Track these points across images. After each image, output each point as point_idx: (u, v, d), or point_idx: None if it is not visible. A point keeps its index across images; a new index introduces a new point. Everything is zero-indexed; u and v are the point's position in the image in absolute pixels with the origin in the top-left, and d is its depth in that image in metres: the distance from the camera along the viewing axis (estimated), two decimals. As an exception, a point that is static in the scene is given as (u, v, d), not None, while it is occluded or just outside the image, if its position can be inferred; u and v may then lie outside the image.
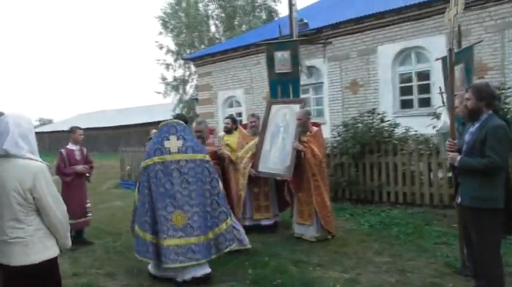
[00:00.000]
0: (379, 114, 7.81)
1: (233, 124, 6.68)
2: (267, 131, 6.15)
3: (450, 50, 3.79)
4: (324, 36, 11.71)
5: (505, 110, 6.18)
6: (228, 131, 6.61)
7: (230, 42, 16.58)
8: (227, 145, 6.13)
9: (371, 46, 10.77)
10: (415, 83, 10.34)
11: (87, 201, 5.83)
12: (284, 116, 6.12)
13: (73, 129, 5.98)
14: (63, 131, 36.41)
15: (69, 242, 2.52)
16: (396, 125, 7.63)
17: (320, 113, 12.30)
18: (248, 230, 5.70)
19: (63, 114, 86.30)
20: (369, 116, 7.83)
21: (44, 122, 50.56)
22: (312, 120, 6.09)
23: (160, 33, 23.77)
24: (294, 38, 8.28)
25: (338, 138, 8.02)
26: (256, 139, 6.15)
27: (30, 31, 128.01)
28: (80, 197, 5.69)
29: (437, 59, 5.79)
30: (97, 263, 4.89)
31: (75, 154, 5.83)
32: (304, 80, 12.46)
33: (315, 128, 5.67)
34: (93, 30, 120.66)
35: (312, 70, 12.08)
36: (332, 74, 11.70)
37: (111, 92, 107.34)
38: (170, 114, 23.74)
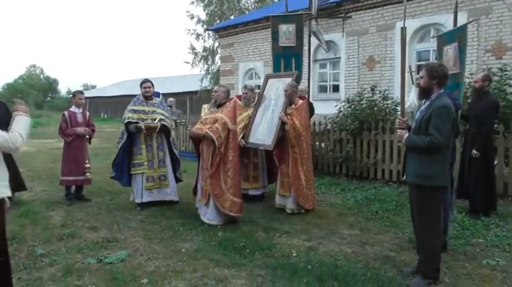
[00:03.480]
0: (380, 91, 7.70)
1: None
2: (261, 104, 6.28)
3: (402, 29, 3.72)
4: (344, 10, 11.45)
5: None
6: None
7: (253, 14, 16.52)
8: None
9: (390, 22, 10.45)
10: (432, 61, 9.98)
11: (87, 161, 6.23)
12: (277, 89, 6.21)
13: (74, 94, 6.38)
14: (105, 96, 38.01)
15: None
16: (397, 103, 7.52)
17: (336, 89, 12.19)
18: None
19: (107, 80, 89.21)
20: (373, 93, 7.75)
21: (87, 88, 52.65)
22: (303, 95, 6.18)
23: (192, 2, 23.86)
24: (303, 12, 8.20)
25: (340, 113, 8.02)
26: (249, 111, 6.31)
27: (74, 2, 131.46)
28: (79, 157, 6.11)
29: (433, 37, 5.66)
30: (86, 217, 5.32)
31: (77, 117, 6.23)
32: (322, 54, 12.38)
33: (300, 101, 5.74)
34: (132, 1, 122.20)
35: (330, 44, 11.90)
36: (350, 49, 11.49)
37: (146, 61, 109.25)
38: (199, 84, 24.18)
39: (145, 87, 5.87)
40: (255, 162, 6.33)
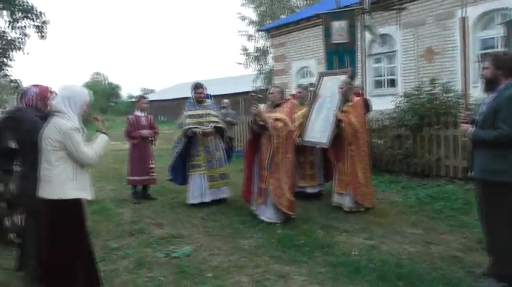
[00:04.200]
0: (442, 85, 7.37)
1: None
2: (316, 102, 6.27)
3: (463, 18, 3.55)
4: (398, 2, 11.06)
5: None
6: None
7: (304, 12, 16.43)
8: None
9: (449, 10, 9.94)
10: (500, 49, 9.37)
11: (151, 162, 6.59)
12: (331, 87, 6.17)
13: (139, 99, 6.77)
14: (162, 99, 39.59)
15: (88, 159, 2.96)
16: (460, 95, 7.16)
17: (393, 83, 11.82)
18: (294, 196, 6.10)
19: (164, 84, 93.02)
20: (433, 87, 7.44)
21: (146, 92, 55.10)
22: (359, 91, 6.09)
23: (243, 4, 24.18)
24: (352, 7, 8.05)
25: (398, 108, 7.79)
26: (304, 109, 6.33)
27: (131, 10, 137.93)
28: (144, 158, 6.47)
29: (499, 24, 5.35)
30: (152, 215, 5.65)
31: (141, 120, 6.60)
32: (377, 48, 12.05)
33: (356, 98, 5.68)
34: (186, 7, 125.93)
35: (385, 38, 11.55)
36: (406, 41, 11.09)
37: (200, 63, 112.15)
38: (252, 85, 24.44)
39: (198, 93, 6.09)
40: (311, 160, 6.34)
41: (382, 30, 11.35)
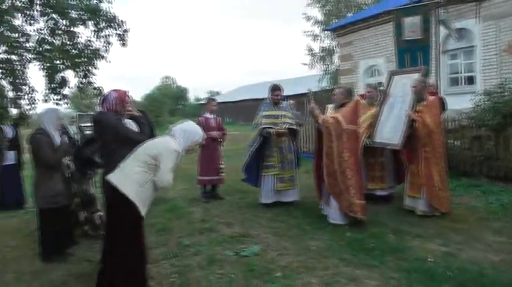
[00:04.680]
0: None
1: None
2: (386, 102, 6.06)
3: None
4: (478, -6, 10.33)
5: None
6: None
7: (372, 9, 15.91)
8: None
9: (537, -1, 9.10)
10: None
11: (220, 162, 6.78)
12: (403, 86, 5.91)
13: (208, 101, 7.01)
14: (228, 101, 40.67)
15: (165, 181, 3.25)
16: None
17: (471, 81, 11.06)
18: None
19: (229, 86, 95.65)
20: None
21: (212, 94, 56.83)
22: (433, 90, 5.78)
23: (308, 4, 24.02)
24: (425, 2, 7.67)
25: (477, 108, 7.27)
26: (374, 110, 6.14)
27: (193, 15, 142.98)
28: (213, 159, 6.69)
29: None
30: (221, 214, 5.81)
31: (211, 122, 6.83)
32: (452, 44, 11.36)
33: (430, 97, 5.40)
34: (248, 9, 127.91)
35: (462, 33, 10.85)
36: (486, 35, 10.31)
37: (264, 65, 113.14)
38: (317, 85, 24.19)
39: (275, 95, 6.12)
40: (380, 161, 6.14)
41: (458, 24, 10.70)
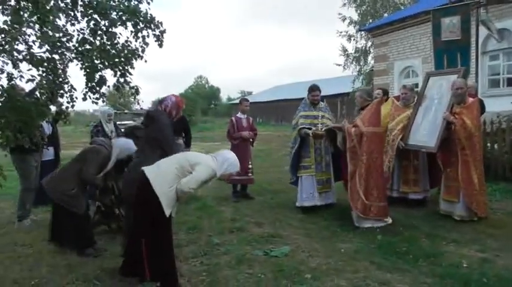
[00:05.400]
0: None
1: (384, 95, 6.62)
2: (422, 104, 5.92)
3: None
4: (522, -8, 9.90)
5: None
6: None
7: (410, 9, 15.56)
8: None
9: None
10: None
11: (250, 162, 6.82)
12: (440, 87, 5.78)
13: (241, 101, 7.06)
14: (260, 102, 40.79)
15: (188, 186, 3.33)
16: None
17: (511, 83, 10.61)
18: (395, 201, 5.86)
19: (262, 86, 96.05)
20: None
21: (244, 94, 57.14)
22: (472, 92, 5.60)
23: (344, 4, 23.73)
24: (466, 1, 7.40)
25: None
26: (408, 111, 6.01)
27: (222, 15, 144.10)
28: (243, 158, 6.68)
29: None
30: (251, 213, 5.83)
31: (242, 122, 6.88)
32: (493, 45, 10.95)
33: (470, 99, 5.25)
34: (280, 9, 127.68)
35: (503, 33, 10.42)
36: (529, 35, 9.87)
37: (297, 65, 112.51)
38: (350, 86, 23.86)
39: (313, 95, 5.98)
40: (415, 164, 5.98)
41: (499, 24, 10.29)
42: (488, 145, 7.37)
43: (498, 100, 9.25)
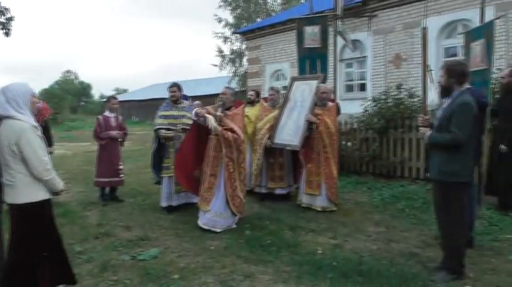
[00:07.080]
0: (407, 90, 7.65)
1: (256, 97, 6.99)
2: (286, 106, 6.38)
3: (424, 29, 3.76)
4: (370, 9, 11.39)
5: None
6: (251, 102, 6.92)
7: (279, 16, 16.63)
8: (246, 116, 6.39)
9: (416, 19, 10.31)
10: (460, 57, 9.79)
11: (120, 163, 6.50)
12: (303, 92, 6.30)
13: (109, 99, 6.70)
14: (135, 100, 39.02)
15: (57, 186, 2.99)
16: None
17: (363, 88, 12.13)
18: (263, 197, 6.29)
19: (138, 84, 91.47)
20: (399, 92, 7.71)
21: (119, 91, 54.19)
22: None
23: (220, 6, 24.24)
24: (329, 13, 8.19)
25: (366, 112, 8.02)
26: (275, 112, 6.43)
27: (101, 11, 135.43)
28: (112, 159, 6.39)
29: (459, 34, 5.61)
30: (120, 217, 5.57)
31: (111, 121, 6.52)
32: (348, 54, 12.34)
33: (330, 103, 5.89)
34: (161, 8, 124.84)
35: (356, 44, 11.86)
36: (376, 48, 11.42)
37: (175, 64, 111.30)
38: (225, 87, 24.44)
39: (171, 91, 5.91)
40: (280, 162, 6.43)
41: (353, 36, 11.67)
42: (343, 143, 8.32)
43: (352, 103, 10.47)
